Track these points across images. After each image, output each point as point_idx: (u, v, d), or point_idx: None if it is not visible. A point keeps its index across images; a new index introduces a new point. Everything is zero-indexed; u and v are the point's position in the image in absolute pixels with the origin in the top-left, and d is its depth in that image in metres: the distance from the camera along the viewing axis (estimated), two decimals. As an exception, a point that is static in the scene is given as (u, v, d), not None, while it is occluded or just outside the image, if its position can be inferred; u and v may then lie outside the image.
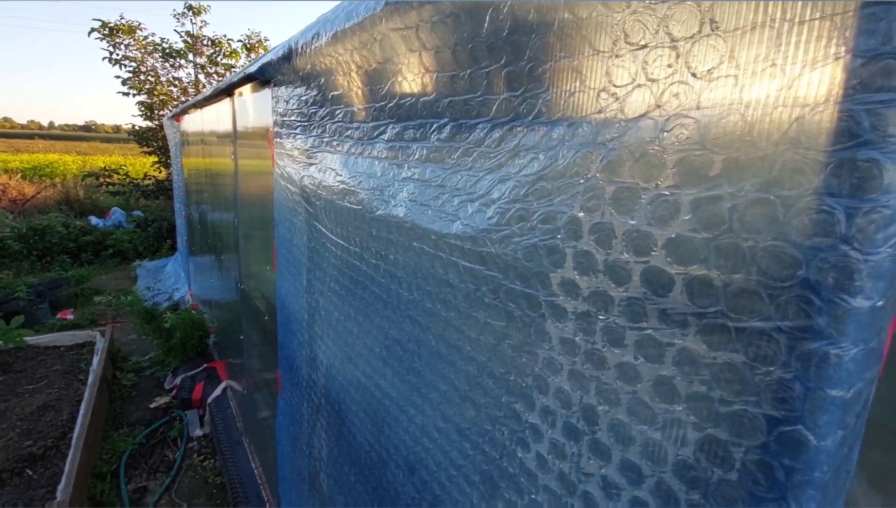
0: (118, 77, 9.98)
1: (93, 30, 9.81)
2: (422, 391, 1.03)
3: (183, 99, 10.18)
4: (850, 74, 0.39)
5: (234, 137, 2.78)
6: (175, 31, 10.76)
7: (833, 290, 0.41)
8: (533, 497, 0.74)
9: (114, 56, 10.11)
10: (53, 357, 4.15)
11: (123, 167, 11.53)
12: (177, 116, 5.88)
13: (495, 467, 0.82)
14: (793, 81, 0.42)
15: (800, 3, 0.41)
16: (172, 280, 6.66)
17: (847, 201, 0.40)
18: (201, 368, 4.27)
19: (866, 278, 0.40)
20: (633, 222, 0.53)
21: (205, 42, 10.95)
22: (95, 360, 4.02)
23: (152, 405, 4.02)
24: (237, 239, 2.98)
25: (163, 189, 10.54)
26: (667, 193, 0.50)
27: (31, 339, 4.35)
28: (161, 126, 9.39)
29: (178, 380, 4.22)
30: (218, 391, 3.86)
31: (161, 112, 10.04)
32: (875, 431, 0.96)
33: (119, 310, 5.29)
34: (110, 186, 10.89)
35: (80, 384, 3.72)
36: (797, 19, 0.42)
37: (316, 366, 1.68)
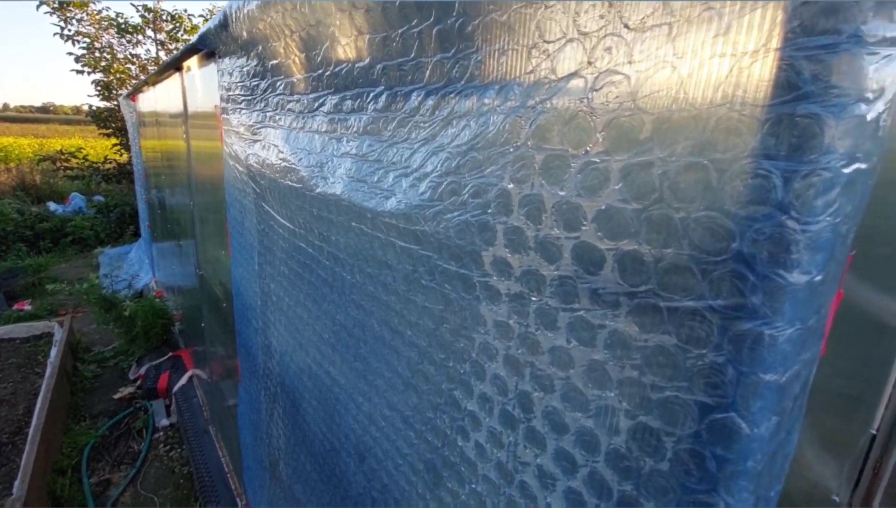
0: (70, 54, 9.41)
1: (42, 2, 9.19)
2: (368, 378, 0.98)
3: (142, 77, 9.69)
4: (790, 16, 0.34)
5: (185, 115, 2.63)
6: (132, 4, 10.16)
7: (768, 264, 0.37)
8: (473, 486, 0.70)
9: (65, 32, 9.52)
10: (8, 350, 3.96)
11: (82, 150, 10.98)
12: (132, 95, 5.58)
13: (438, 456, 0.78)
14: (729, 26, 0.36)
15: (736, -65, 0.36)
16: (136, 267, 6.42)
17: (784, 164, 0.35)
18: (167, 357, 4.14)
19: (804, 251, 0.36)
20: (562, 194, 0.48)
21: (164, 17, 10.39)
22: (53, 352, 3.84)
23: (116, 396, 3.90)
24: (194, 223, 2.85)
25: (125, 173, 10.09)
26: (596, 159, 0.45)
27: (-17, 332, 4.14)
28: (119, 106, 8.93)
29: (142, 370, 4.08)
30: (184, 380, 3.75)
31: (119, 91, 9.54)
32: (832, 398, 0.95)
33: (80, 299, 5.07)
34: (68, 171, 10.38)
35: (36, 376, 3.56)
36: (733, -46, 0.36)
37: (270, 353, 1.62)
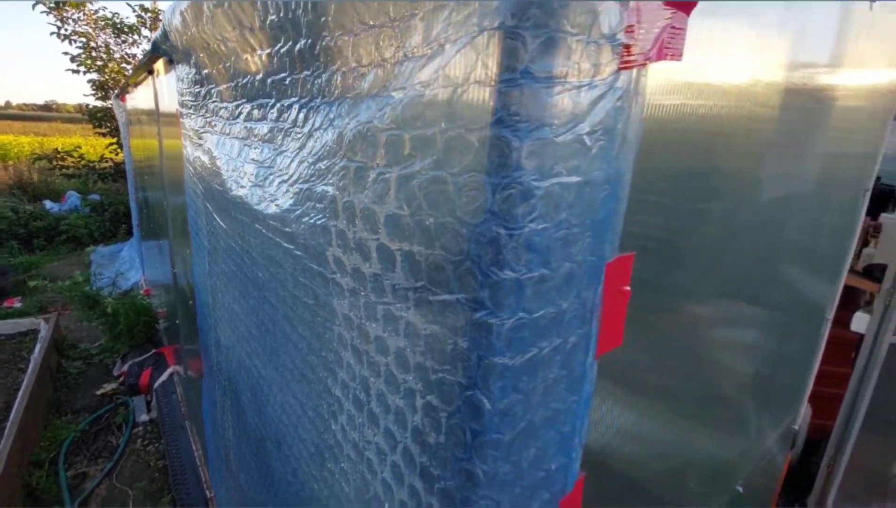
0: (66, 53, 9.50)
1: (38, 2, 9.28)
2: (279, 369, 1.04)
3: (137, 77, 9.76)
4: (499, 53, 0.41)
5: (157, 116, 2.70)
6: (128, 4, 10.24)
7: (488, 264, 0.43)
8: (342, 465, 0.77)
9: (62, 31, 9.60)
10: (-7, 346, 4.04)
11: (79, 149, 11.08)
12: (122, 95, 5.66)
13: (321, 439, 0.84)
14: (450, 60, 0.43)
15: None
16: (127, 265, 6.50)
17: (493, 179, 0.41)
18: (150, 353, 4.21)
19: (512, 252, 0.42)
20: (365, 201, 0.55)
21: (160, 17, 10.47)
22: (37, 348, 3.92)
23: (99, 392, 3.97)
24: (167, 222, 2.92)
25: (120, 172, 10.17)
26: (383, 171, 0.51)
27: (-30, 328, 4.22)
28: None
29: (126, 366, 4.16)
30: (164, 377, 3.83)
31: (115, 91, 9.62)
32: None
33: (64, 297, 5.15)
34: (64, 170, 10.48)
35: (19, 372, 3.64)
36: None
37: (220, 349, 1.69)
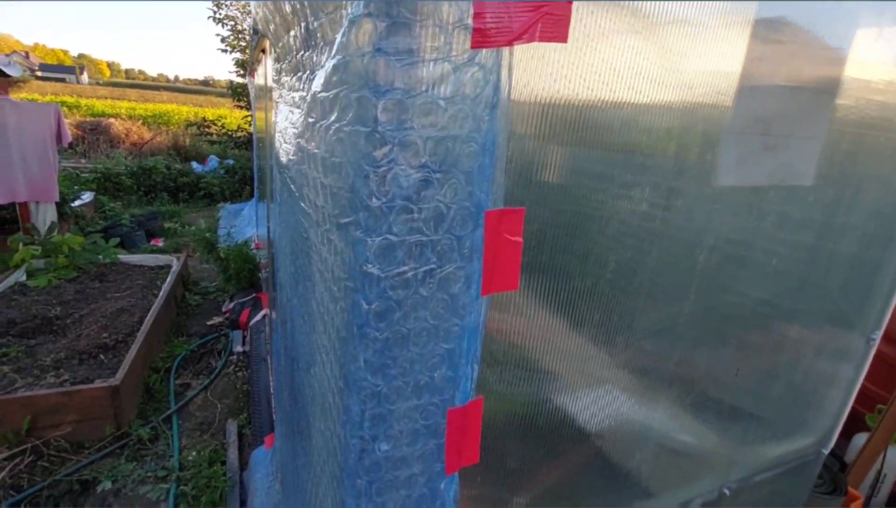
0: (218, 35, 10.95)
1: (201, -11, 10.78)
2: (298, 297, 1.27)
3: (271, 57, 10.95)
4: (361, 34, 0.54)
5: (266, 92, 3.12)
6: (269, -9, 11.45)
7: (363, 194, 0.57)
8: (316, 369, 0.96)
9: (217, 15, 11.09)
10: (138, 274, 4.98)
11: (221, 119, 12.77)
12: (251, 72, 6.45)
13: (310, 350, 1.04)
14: (347, 37, 0.57)
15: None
16: (245, 222, 7.48)
17: (362, 128, 0.55)
18: (250, 296, 4.89)
19: (376, 185, 0.56)
20: (314, 148, 0.71)
21: (296, 2, 11.56)
22: (168, 280, 4.77)
23: (209, 323, 4.72)
24: (270, 185, 3.37)
25: (251, 140, 11.59)
26: (319, 123, 0.67)
27: (124, 257, 5.24)
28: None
29: (231, 305, 4.88)
30: (258, 317, 4.43)
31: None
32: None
33: (190, 240, 6.12)
34: (209, 136, 12.17)
35: (153, 296, 4.46)
36: None
37: (280, 288, 2.00)
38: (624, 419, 1.05)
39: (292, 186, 1.00)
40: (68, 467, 2.79)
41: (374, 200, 0.56)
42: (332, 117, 0.61)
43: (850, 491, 2.46)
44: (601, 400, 1.02)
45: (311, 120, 0.75)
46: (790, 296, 1.13)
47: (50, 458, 2.81)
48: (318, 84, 0.68)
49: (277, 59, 1.64)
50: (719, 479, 1.24)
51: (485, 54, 0.54)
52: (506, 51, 0.55)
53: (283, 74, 1.51)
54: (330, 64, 0.61)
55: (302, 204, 0.91)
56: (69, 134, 5.22)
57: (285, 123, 1.31)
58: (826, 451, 1.44)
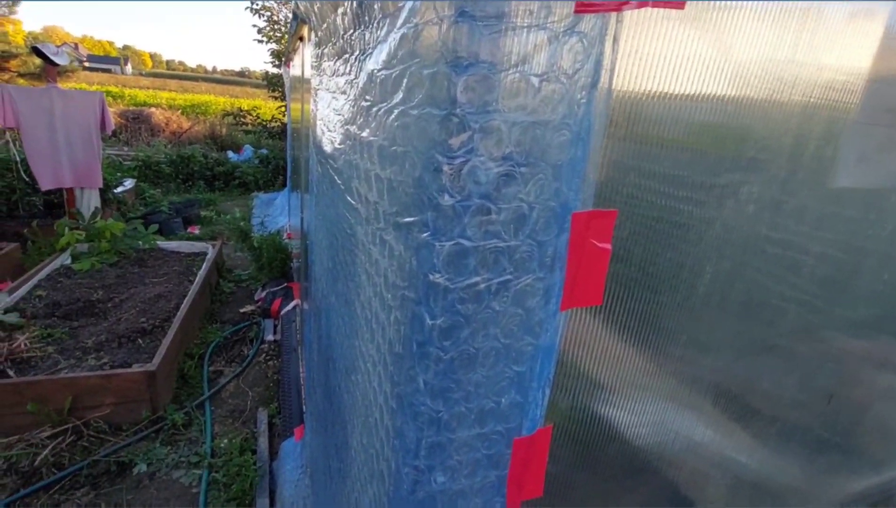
0: (254, 26, 11.07)
1: (240, -19, 10.91)
2: (336, 295, 1.20)
3: (306, 47, 11.01)
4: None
5: (303, 81, 3.07)
6: (306, -19, 11.49)
7: (433, 189, 0.48)
8: (357, 376, 0.88)
9: (254, 6, 11.21)
10: (175, 260, 5.08)
11: (256, 109, 12.96)
12: (287, 62, 6.47)
13: (350, 355, 0.97)
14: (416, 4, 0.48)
15: None
16: (278, 211, 7.56)
17: (436, 111, 0.46)
18: (282, 286, 4.92)
19: (450, 179, 0.47)
20: (367, 135, 0.62)
21: (330, -8, 11.58)
22: (203, 267, 4.84)
23: (242, 310, 4.78)
24: (302, 176, 3.34)
25: (285, 131, 11.72)
26: (377, 107, 0.59)
27: (162, 244, 5.36)
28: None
29: (263, 293, 4.93)
30: (289, 307, 4.45)
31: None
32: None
33: (224, 229, 6.20)
34: (244, 126, 12.37)
35: (189, 283, 4.54)
36: None
37: (316, 280, 1.95)
38: (696, 446, 0.94)
39: (337, 177, 0.93)
40: (106, 448, 2.85)
41: (446, 197, 0.47)
42: (396, 99, 0.53)
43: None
44: (670, 422, 0.91)
45: (365, 104, 0.66)
46: None
47: (89, 438, 2.88)
48: (376, 62, 0.59)
49: (319, 44, 1.57)
50: (795, 512, 1.12)
51: (588, 21, 0.44)
52: (613, 18, 0.45)
53: (325, 59, 1.43)
54: (395, 36, 0.52)
55: (348, 198, 0.83)
56: (112, 122, 5.35)
57: (327, 110, 1.24)
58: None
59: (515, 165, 0.47)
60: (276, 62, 11.16)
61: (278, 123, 12.06)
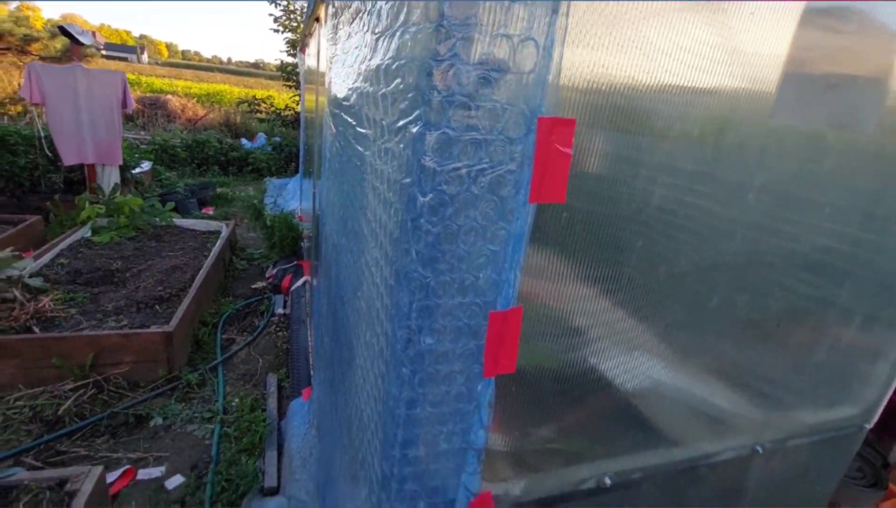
0: (271, 15, 11.26)
1: (257, -29, 11.09)
2: (346, 234, 1.34)
3: (321, 37, 11.18)
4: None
5: (318, 62, 3.22)
6: (322, -28, 11.65)
7: (429, 88, 0.61)
8: (366, 288, 1.02)
9: (270, -5, 11.39)
10: (190, 237, 5.27)
11: (270, 98, 13.17)
12: (303, 48, 6.61)
13: (356, 271, 1.11)
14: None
15: None
16: (290, 195, 7.74)
17: (439, 25, 0.59)
18: (292, 264, 5.09)
19: (441, 82, 0.60)
20: (370, 64, 0.76)
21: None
22: (218, 244, 5.02)
23: (253, 286, 4.95)
24: (314, 161, 3.49)
25: (298, 120, 11.91)
26: (381, 35, 0.72)
27: (178, 221, 5.55)
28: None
29: (274, 271, 5.10)
30: (299, 283, 4.62)
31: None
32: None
33: (239, 207, 6.39)
34: (258, 114, 12.59)
35: (203, 257, 4.72)
36: None
37: (325, 238, 2.09)
38: (654, 378, 1.07)
39: (350, 118, 1.07)
40: (125, 402, 3.03)
41: (434, 94, 0.60)
42: (398, 23, 0.66)
43: (891, 488, 2.36)
44: (632, 359, 1.04)
45: (373, 37, 0.80)
46: (843, 256, 1.10)
47: (109, 393, 3.06)
48: (385, 3, 0.73)
49: (335, 14, 1.71)
50: (752, 438, 1.24)
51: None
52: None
53: (342, 26, 1.57)
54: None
55: (359, 129, 0.97)
56: (133, 101, 5.54)
57: (342, 68, 1.38)
58: (868, 426, 1.40)
59: (489, 70, 0.60)
60: (292, 51, 11.33)
61: (291, 112, 12.26)
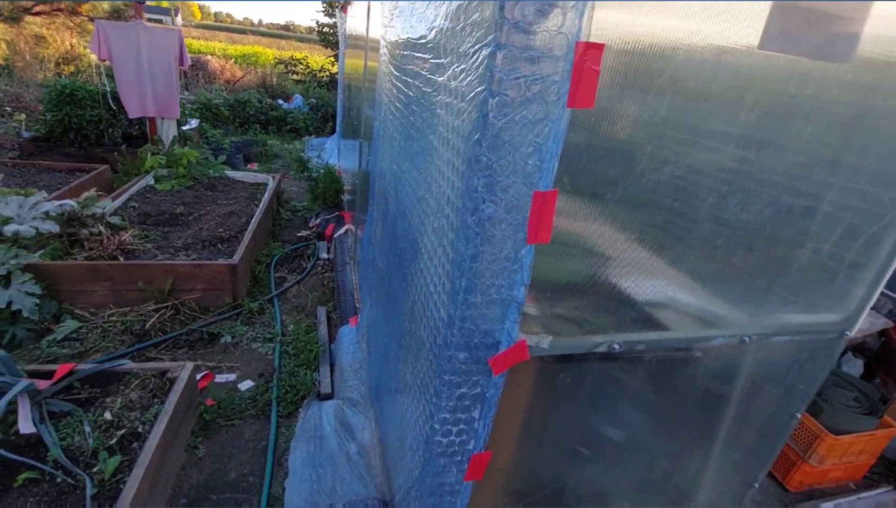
0: (309, -26, 11.31)
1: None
2: (412, 159, 1.63)
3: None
4: None
5: (368, 23, 3.44)
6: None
7: (493, 67, 0.88)
8: (434, 224, 1.32)
9: (308, -46, 11.43)
10: (241, 188, 5.69)
11: (306, 58, 13.38)
12: (344, 7, 6.78)
13: (420, 198, 1.40)
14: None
15: None
16: (328, 154, 8.08)
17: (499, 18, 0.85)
18: (334, 215, 5.45)
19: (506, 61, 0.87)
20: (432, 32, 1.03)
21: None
22: (266, 194, 5.42)
23: (298, 235, 5.36)
24: (361, 125, 3.76)
25: (333, 81, 12.13)
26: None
27: (230, 173, 5.97)
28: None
29: (318, 220, 5.48)
30: (341, 231, 4.98)
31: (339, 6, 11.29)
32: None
33: (285, 158, 6.77)
34: (294, 75, 12.85)
35: (255, 206, 5.13)
36: None
37: (382, 175, 2.39)
38: (644, 267, 1.32)
39: (425, 54, 1.34)
40: (199, 322, 3.48)
41: (506, 23, 0.87)
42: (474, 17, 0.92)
43: (886, 419, 2.59)
44: (634, 252, 1.30)
45: (450, 24, 1.06)
46: (826, 168, 1.32)
47: (184, 314, 3.52)
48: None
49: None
50: (740, 329, 1.50)
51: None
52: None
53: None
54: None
55: (434, 60, 1.24)
56: (189, 58, 5.88)
57: (410, 18, 1.63)
58: (850, 334, 1.62)
59: (544, 4, 0.86)
60: (330, 11, 11.43)
61: (327, 73, 12.47)
